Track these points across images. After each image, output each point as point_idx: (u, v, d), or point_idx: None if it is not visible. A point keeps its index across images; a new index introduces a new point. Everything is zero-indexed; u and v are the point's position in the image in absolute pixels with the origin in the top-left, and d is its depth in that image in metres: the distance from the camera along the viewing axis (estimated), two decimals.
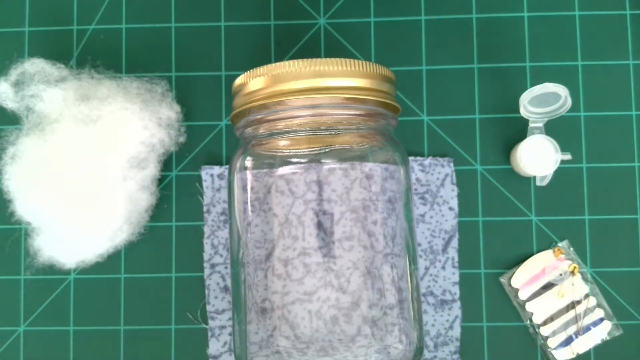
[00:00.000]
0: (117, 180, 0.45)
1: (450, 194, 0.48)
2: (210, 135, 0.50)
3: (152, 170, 0.47)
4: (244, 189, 0.41)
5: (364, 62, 0.39)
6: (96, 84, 0.47)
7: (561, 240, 0.48)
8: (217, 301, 0.48)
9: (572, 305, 0.47)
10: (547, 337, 0.47)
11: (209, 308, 0.48)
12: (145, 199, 0.47)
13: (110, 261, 0.48)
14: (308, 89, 0.38)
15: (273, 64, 0.39)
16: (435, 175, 0.48)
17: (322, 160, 0.39)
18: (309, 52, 0.50)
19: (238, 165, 0.41)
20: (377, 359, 0.38)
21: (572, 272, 0.47)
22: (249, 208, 0.40)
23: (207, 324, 0.48)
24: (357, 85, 0.39)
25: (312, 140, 0.39)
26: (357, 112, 0.39)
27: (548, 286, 0.47)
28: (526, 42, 0.50)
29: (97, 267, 0.48)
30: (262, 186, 0.40)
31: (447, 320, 0.47)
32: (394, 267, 0.39)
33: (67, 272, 0.49)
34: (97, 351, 0.48)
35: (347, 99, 0.38)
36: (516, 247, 0.48)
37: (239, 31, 0.50)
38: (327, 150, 0.39)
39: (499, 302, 0.48)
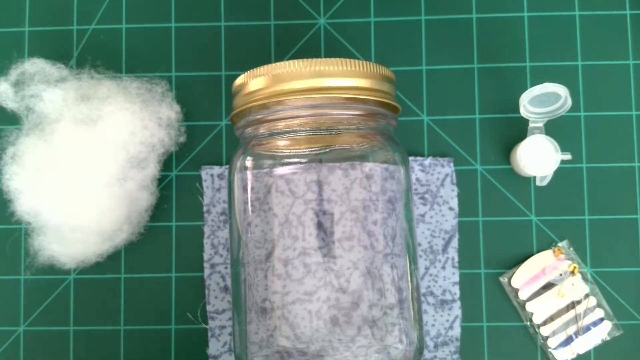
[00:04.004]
0: (117, 180, 0.45)
1: (450, 194, 0.48)
2: (210, 135, 0.50)
3: (152, 170, 0.47)
4: (244, 189, 0.41)
5: (364, 62, 0.39)
6: (96, 84, 0.47)
7: (561, 240, 0.48)
8: (217, 301, 0.48)
9: (572, 305, 0.47)
10: (547, 337, 0.47)
11: (209, 308, 0.48)
12: (145, 199, 0.47)
13: (110, 261, 0.48)
14: (308, 89, 0.38)
15: (273, 64, 0.39)
16: (435, 175, 0.48)
17: (322, 160, 0.39)
18: (309, 52, 0.50)
19: (238, 165, 0.41)
20: (377, 359, 0.38)
21: (572, 272, 0.47)
22: (249, 208, 0.40)
23: (207, 324, 0.48)
24: (357, 85, 0.39)
25: (312, 140, 0.39)
26: (357, 112, 0.39)
27: (548, 286, 0.47)
28: (526, 42, 0.50)
29: (97, 267, 0.48)
30: (262, 186, 0.40)
31: (447, 320, 0.47)
32: (394, 267, 0.39)
33: (67, 272, 0.49)
34: (97, 351, 0.48)
35: (348, 99, 0.38)
36: (516, 247, 0.48)
37: (239, 31, 0.50)
38: (327, 150, 0.39)
39: (499, 302, 0.48)
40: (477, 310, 0.48)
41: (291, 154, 0.39)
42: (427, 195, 0.48)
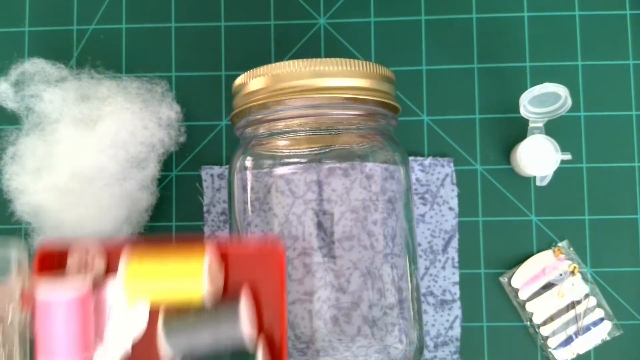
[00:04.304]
0: (117, 180, 0.45)
1: (450, 194, 0.48)
2: (210, 135, 0.50)
3: (152, 170, 0.47)
4: (244, 189, 0.41)
5: (364, 62, 0.39)
6: (96, 84, 0.47)
7: (561, 240, 0.48)
8: None
9: (572, 305, 0.47)
10: (547, 337, 0.47)
11: None
12: (145, 199, 0.47)
13: None
14: (308, 89, 0.38)
15: (273, 64, 0.39)
16: (435, 175, 0.48)
17: (322, 160, 0.39)
18: (309, 52, 0.50)
19: (238, 165, 0.41)
20: (377, 359, 0.38)
21: (572, 272, 0.47)
22: (249, 208, 0.40)
23: None
24: (357, 85, 0.39)
25: (312, 140, 0.39)
26: (357, 112, 0.39)
27: (548, 286, 0.47)
28: (526, 42, 0.50)
29: None
30: (262, 186, 0.40)
31: (447, 320, 0.47)
32: (394, 267, 0.39)
33: None
34: None
35: (347, 99, 0.38)
36: (516, 247, 0.48)
37: (239, 31, 0.50)
38: (327, 150, 0.39)
39: (499, 302, 0.48)
40: (477, 310, 0.48)
41: (291, 154, 0.39)
42: (427, 195, 0.48)
